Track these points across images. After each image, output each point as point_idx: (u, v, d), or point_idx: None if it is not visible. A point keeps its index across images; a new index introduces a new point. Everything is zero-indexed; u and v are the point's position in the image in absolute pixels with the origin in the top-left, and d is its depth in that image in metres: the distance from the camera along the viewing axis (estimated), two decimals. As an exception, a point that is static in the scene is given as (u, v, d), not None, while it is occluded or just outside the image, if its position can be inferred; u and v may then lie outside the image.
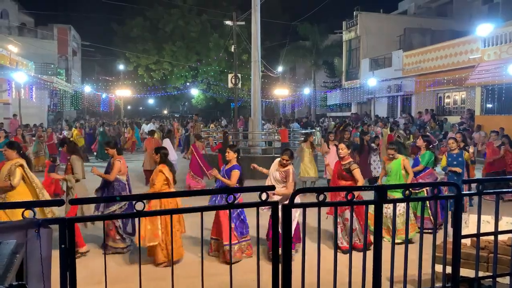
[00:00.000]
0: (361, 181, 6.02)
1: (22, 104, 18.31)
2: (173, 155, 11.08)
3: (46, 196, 5.58)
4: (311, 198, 3.29)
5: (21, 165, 5.36)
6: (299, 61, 35.65)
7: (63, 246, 2.40)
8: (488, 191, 3.63)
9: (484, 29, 16.11)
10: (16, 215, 4.96)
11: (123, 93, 35.01)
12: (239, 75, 17.68)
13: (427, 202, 6.32)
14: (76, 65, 40.93)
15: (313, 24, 31.58)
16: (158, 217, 5.48)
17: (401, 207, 6.19)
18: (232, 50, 19.18)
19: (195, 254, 5.98)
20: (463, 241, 3.29)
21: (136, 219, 6.10)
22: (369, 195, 3.72)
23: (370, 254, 2.98)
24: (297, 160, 10.88)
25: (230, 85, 17.72)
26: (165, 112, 48.52)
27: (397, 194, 6.07)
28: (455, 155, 7.56)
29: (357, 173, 6.02)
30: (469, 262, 4.02)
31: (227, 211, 5.61)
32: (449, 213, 3.42)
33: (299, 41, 34.16)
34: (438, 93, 22.48)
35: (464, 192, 3.40)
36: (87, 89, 32.37)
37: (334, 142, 10.13)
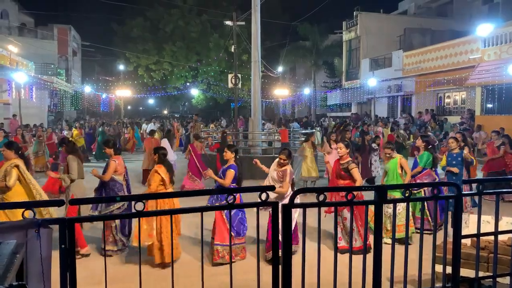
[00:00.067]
0: (359, 181, 6.02)
1: (22, 104, 18.29)
2: (172, 155, 11.08)
3: (43, 196, 5.58)
4: (311, 198, 3.29)
5: (17, 166, 5.35)
6: (299, 61, 35.65)
7: (63, 246, 2.40)
8: (488, 191, 3.63)
9: (484, 29, 16.11)
10: (16, 215, 4.97)
11: (123, 93, 35.02)
12: (239, 75, 17.66)
13: (425, 203, 6.33)
14: (76, 65, 40.95)
15: (313, 24, 31.61)
16: (154, 217, 5.46)
17: (400, 207, 6.19)
18: (232, 50, 19.16)
19: (195, 254, 5.98)
20: (463, 241, 3.29)
21: (136, 219, 6.13)
22: (369, 195, 3.72)
23: (370, 254, 2.98)
24: (299, 160, 10.89)
25: (230, 85, 17.71)
26: (165, 112, 48.52)
27: (396, 194, 6.07)
28: (454, 155, 7.56)
29: (355, 172, 6.02)
30: (469, 262, 4.02)
31: (222, 211, 5.66)
32: (449, 213, 3.42)
33: (299, 41, 34.16)
34: (438, 93, 22.49)
35: (464, 192, 3.40)
36: (87, 89, 32.37)
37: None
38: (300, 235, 5.55)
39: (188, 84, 36.32)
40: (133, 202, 2.75)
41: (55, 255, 2.37)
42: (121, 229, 6.10)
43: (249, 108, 21.12)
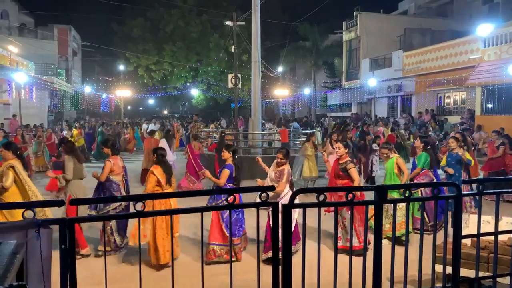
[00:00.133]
0: (357, 181, 6.01)
1: (22, 105, 18.29)
2: (170, 155, 11.07)
3: (38, 197, 5.58)
4: (311, 197, 3.29)
5: (13, 167, 5.35)
6: (299, 61, 35.65)
7: (63, 246, 2.40)
8: (488, 191, 3.63)
9: (484, 29, 16.10)
10: (13, 215, 4.97)
11: (123, 93, 35.02)
12: (239, 75, 17.66)
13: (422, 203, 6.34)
14: (76, 65, 40.96)
15: (313, 24, 31.61)
16: (150, 218, 5.46)
17: (399, 207, 6.18)
18: (232, 50, 19.16)
19: (194, 254, 5.98)
20: (463, 241, 3.29)
21: (131, 220, 6.14)
22: (369, 195, 3.72)
23: (370, 254, 2.98)
24: (300, 160, 10.89)
25: (230, 85, 17.70)
26: (165, 112, 48.54)
27: (394, 195, 6.07)
28: (454, 155, 7.55)
29: (353, 172, 6.02)
30: (469, 262, 4.02)
31: (217, 212, 5.67)
32: (449, 213, 3.42)
33: (299, 41, 34.16)
34: (438, 93, 22.48)
35: (464, 192, 3.40)
36: (87, 89, 32.37)
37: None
38: (300, 235, 5.56)
39: (188, 84, 36.33)
40: (133, 202, 2.75)
41: (55, 255, 2.37)
42: (118, 229, 6.09)
43: (249, 108, 21.12)
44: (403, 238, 6.16)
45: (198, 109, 40.60)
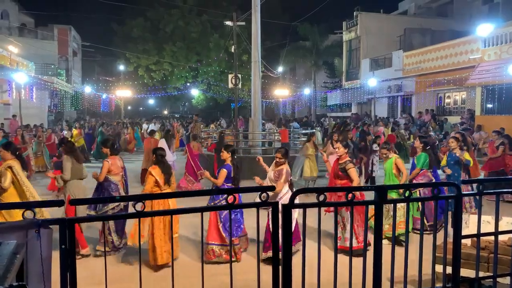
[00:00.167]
0: (356, 181, 6.00)
1: (22, 105, 18.29)
2: (170, 156, 11.06)
3: (36, 198, 5.56)
4: (312, 197, 3.29)
5: (10, 167, 5.34)
6: (299, 62, 35.65)
7: (63, 246, 2.40)
8: (489, 191, 3.63)
9: (484, 29, 16.10)
10: (12, 216, 4.96)
11: (124, 93, 35.02)
12: (239, 75, 17.65)
13: (419, 203, 6.35)
14: (77, 65, 40.97)
15: (313, 25, 31.59)
16: (148, 219, 5.45)
17: (397, 207, 6.18)
18: (232, 50, 19.16)
19: (194, 254, 5.98)
20: (463, 241, 3.29)
21: (130, 220, 6.14)
22: (369, 195, 3.72)
23: (370, 254, 2.98)
24: (301, 160, 10.90)
25: (230, 85, 17.69)
26: (166, 112, 48.56)
27: (393, 195, 6.07)
28: (454, 155, 7.56)
29: (352, 172, 6.01)
30: (469, 262, 4.02)
31: (215, 212, 5.67)
32: (449, 213, 3.42)
33: (299, 42, 34.16)
34: (438, 93, 22.48)
35: (464, 192, 3.40)
36: (88, 89, 32.38)
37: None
38: (300, 236, 5.55)
39: (188, 84, 36.34)
40: (133, 202, 2.75)
41: (55, 256, 2.37)
42: (116, 230, 6.07)
43: (249, 108, 21.11)
44: (401, 238, 6.17)
45: (198, 109, 40.62)
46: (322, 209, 2.93)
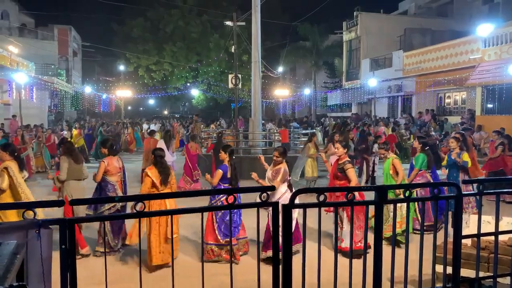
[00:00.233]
0: (353, 181, 5.99)
1: (22, 105, 18.28)
2: (169, 156, 11.04)
3: (31, 200, 5.54)
4: (312, 197, 3.29)
5: (6, 168, 5.33)
6: (300, 62, 35.66)
7: (63, 246, 2.40)
8: (489, 191, 3.63)
9: (485, 29, 16.10)
10: (7, 217, 4.95)
11: (124, 93, 35.02)
12: (239, 75, 17.66)
13: (416, 203, 6.36)
14: (77, 65, 40.99)
15: (313, 25, 31.62)
16: (145, 218, 5.44)
17: (392, 207, 6.17)
18: (233, 50, 19.17)
19: (194, 254, 5.98)
20: (463, 241, 3.28)
21: (128, 220, 6.13)
22: (369, 195, 3.72)
23: (370, 254, 2.98)
24: (303, 160, 10.90)
25: (230, 85, 17.70)
26: (166, 112, 48.57)
27: (390, 195, 6.06)
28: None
29: (350, 172, 6.01)
30: (469, 262, 4.02)
31: (210, 212, 5.67)
32: (450, 213, 3.41)
33: (299, 42, 34.17)
34: (438, 93, 22.47)
35: (464, 192, 3.39)
36: (88, 89, 32.38)
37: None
38: (301, 236, 5.55)
39: (188, 84, 36.34)
40: (132, 203, 2.75)
41: (56, 256, 2.37)
42: (112, 230, 6.04)
43: (249, 108, 21.11)
44: (398, 238, 6.17)
45: (198, 109, 40.63)
46: (323, 209, 2.93)
